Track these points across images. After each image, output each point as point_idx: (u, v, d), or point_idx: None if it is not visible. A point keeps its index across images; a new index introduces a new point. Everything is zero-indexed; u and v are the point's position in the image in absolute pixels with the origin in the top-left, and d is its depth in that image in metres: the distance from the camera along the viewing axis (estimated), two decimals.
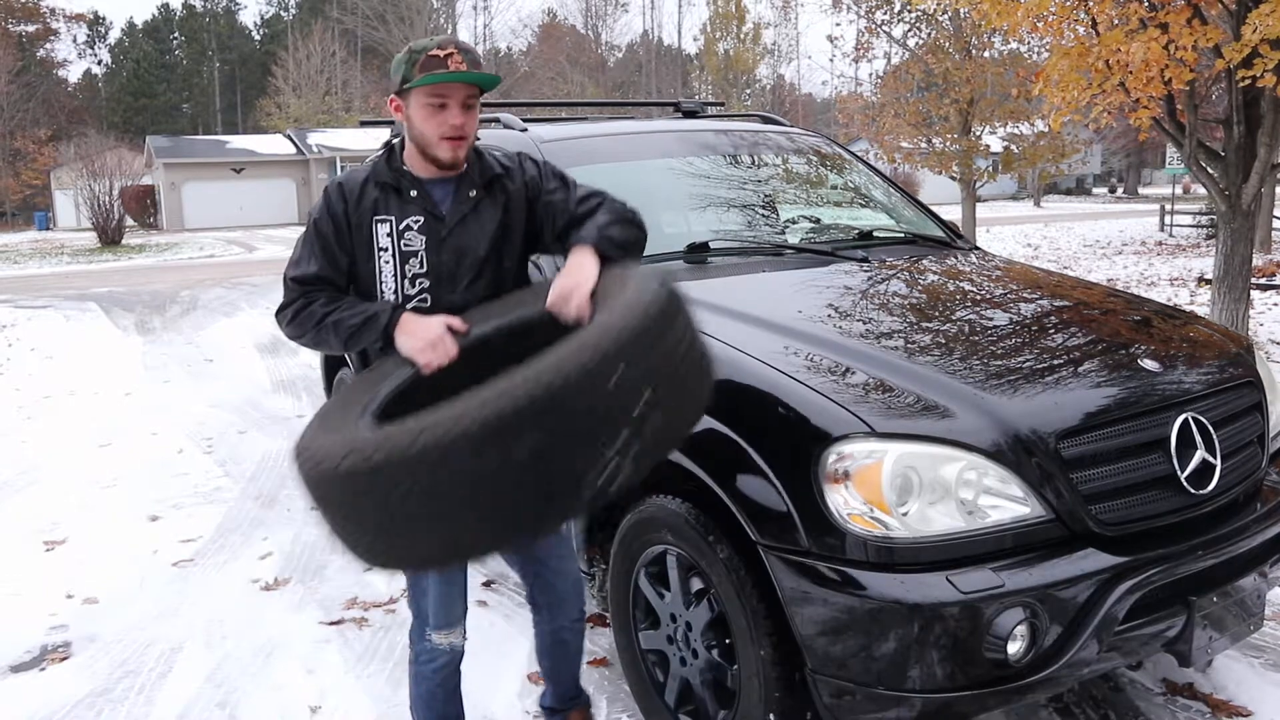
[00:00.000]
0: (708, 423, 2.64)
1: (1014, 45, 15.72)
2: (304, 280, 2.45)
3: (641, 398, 1.91)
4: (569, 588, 2.78)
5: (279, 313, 2.49)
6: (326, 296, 2.44)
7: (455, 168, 2.46)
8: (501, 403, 1.80)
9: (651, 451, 1.98)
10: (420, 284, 2.46)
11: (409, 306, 2.44)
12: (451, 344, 2.31)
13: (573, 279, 2.29)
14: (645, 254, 2.59)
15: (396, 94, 2.43)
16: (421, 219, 2.46)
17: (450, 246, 2.47)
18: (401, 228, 2.45)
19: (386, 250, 2.44)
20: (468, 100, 2.39)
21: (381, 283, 2.46)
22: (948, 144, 16.23)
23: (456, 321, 2.35)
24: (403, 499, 1.86)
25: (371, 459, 1.86)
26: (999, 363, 2.70)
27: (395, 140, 2.58)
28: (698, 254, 3.47)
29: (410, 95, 2.39)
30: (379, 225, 2.44)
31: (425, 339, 2.30)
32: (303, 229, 2.53)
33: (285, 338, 2.53)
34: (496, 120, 4.07)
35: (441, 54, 2.33)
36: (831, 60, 49.98)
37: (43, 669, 3.67)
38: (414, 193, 2.46)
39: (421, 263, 2.46)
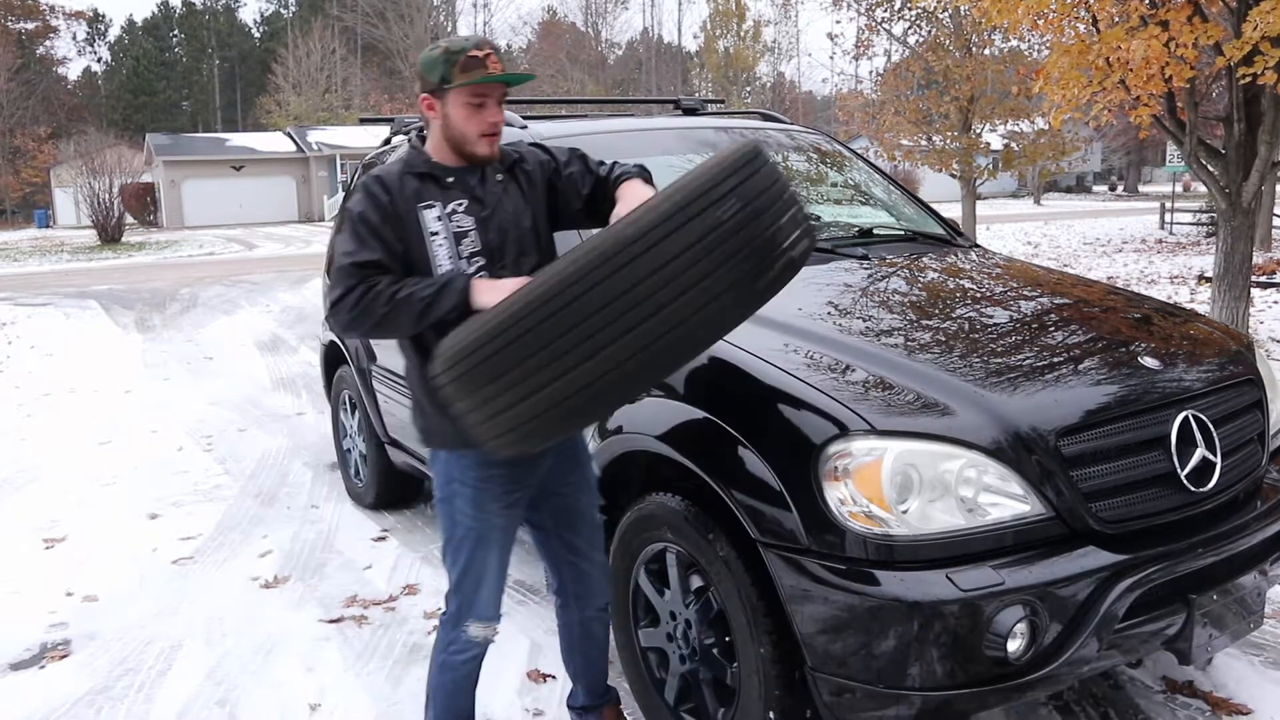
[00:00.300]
0: (707, 422, 2.64)
1: (1014, 43, 15.74)
2: (365, 265, 2.39)
3: (789, 187, 2.17)
4: (601, 576, 2.81)
5: (336, 304, 2.35)
6: (389, 278, 2.38)
7: (489, 162, 2.52)
8: (702, 177, 2.05)
9: (813, 232, 2.22)
10: (477, 261, 2.47)
11: None
12: None
13: (634, 197, 2.40)
14: None
15: (431, 93, 2.46)
16: (465, 201, 2.49)
17: (495, 225, 2.51)
18: (449, 211, 2.47)
19: (439, 234, 2.46)
20: (501, 98, 2.48)
21: (437, 267, 2.46)
22: (948, 141, 16.25)
23: (528, 278, 2.34)
24: (641, 276, 1.99)
25: (596, 247, 2.00)
26: (999, 360, 2.69)
27: (410, 136, 2.61)
28: None
29: (449, 95, 2.42)
30: (426, 212, 2.46)
31: (506, 290, 2.28)
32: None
33: (341, 328, 2.40)
34: None
35: (481, 55, 2.39)
36: (832, 58, 50.22)
37: (42, 667, 3.67)
38: (450, 179, 2.50)
39: (475, 241, 2.48)
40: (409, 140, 2.60)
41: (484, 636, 2.64)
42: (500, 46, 2.55)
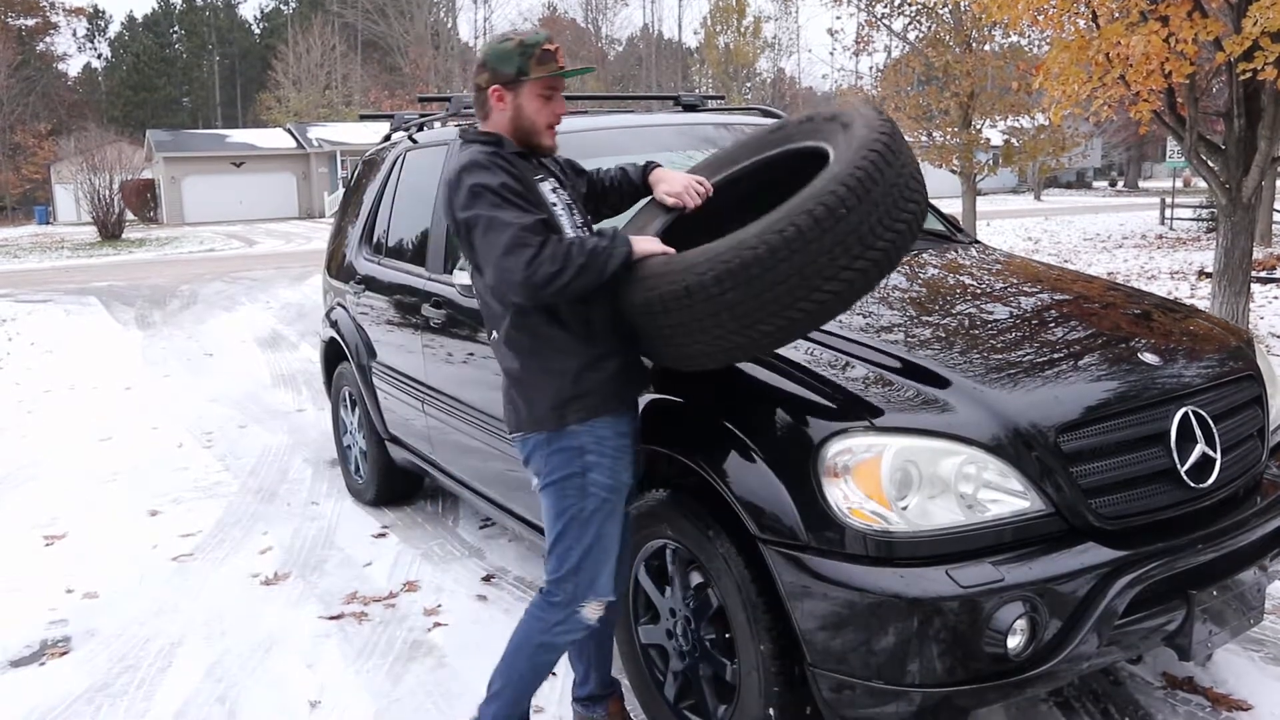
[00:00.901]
0: (706, 418, 2.64)
1: (1014, 39, 15.72)
2: (542, 223, 2.38)
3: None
4: (627, 558, 2.80)
5: (534, 259, 2.30)
6: (563, 237, 2.41)
7: (551, 152, 2.64)
8: (884, 121, 2.45)
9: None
10: (587, 232, 2.62)
11: None
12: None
13: (676, 179, 2.79)
14: None
15: (504, 85, 2.53)
16: (557, 181, 2.65)
17: (578, 204, 2.70)
18: (554, 186, 2.62)
19: (557, 205, 2.57)
20: (563, 90, 2.60)
21: (566, 234, 2.52)
22: (948, 138, 16.23)
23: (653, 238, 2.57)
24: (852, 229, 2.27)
25: (841, 189, 2.27)
26: (999, 356, 2.69)
27: (467, 129, 2.65)
28: None
29: (524, 87, 2.52)
30: (543, 184, 2.57)
31: (651, 243, 2.48)
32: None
33: (537, 289, 2.32)
34: None
35: (552, 49, 2.52)
36: (832, 54, 50.26)
37: (42, 664, 3.67)
38: (535, 161, 2.62)
39: (580, 213, 2.66)
40: (464, 130, 2.64)
41: (598, 618, 2.63)
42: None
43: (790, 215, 2.24)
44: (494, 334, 2.64)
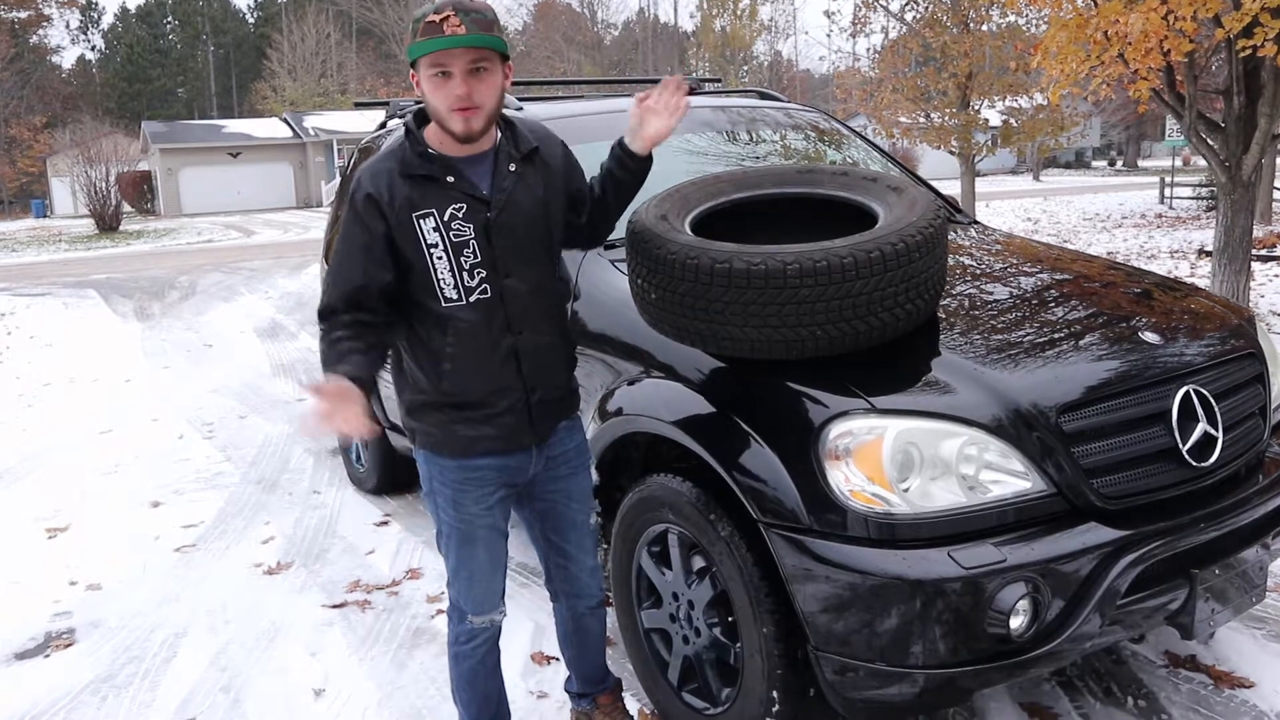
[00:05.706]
0: (707, 402, 2.64)
1: (1012, 18, 15.62)
2: (348, 300, 2.28)
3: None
4: (589, 578, 2.75)
5: (321, 317, 2.34)
6: (347, 329, 2.27)
7: (470, 140, 2.27)
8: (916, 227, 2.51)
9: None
10: (478, 274, 2.30)
11: (471, 300, 2.31)
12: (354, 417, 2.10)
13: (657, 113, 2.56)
14: None
15: (412, 66, 2.26)
16: (465, 205, 2.28)
17: (500, 229, 2.31)
18: (447, 219, 2.27)
19: (437, 246, 2.27)
20: (475, 65, 2.21)
21: (439, 280, 2.29)
22: (946, 118, 16.17)
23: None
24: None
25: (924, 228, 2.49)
26: (999, 337, 2.68)
27: (407, 120, 2.40)
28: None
29: (419, 67, 2.23)
30: (422, 222, 2.26)
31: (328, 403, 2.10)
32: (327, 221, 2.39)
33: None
34: None
35: (438, 19, 2.16)
36: (829, 35, 50.01)
37: (47, 656, 3.68)
38: (451, 179, 2.29)
39: (475, 252, 2.29)
40: (405, 125, 2.39)
41: (488, 621, 2.61)
42: (482, 5, 2.21)
43: (876, 241, 2.41)
44: None
